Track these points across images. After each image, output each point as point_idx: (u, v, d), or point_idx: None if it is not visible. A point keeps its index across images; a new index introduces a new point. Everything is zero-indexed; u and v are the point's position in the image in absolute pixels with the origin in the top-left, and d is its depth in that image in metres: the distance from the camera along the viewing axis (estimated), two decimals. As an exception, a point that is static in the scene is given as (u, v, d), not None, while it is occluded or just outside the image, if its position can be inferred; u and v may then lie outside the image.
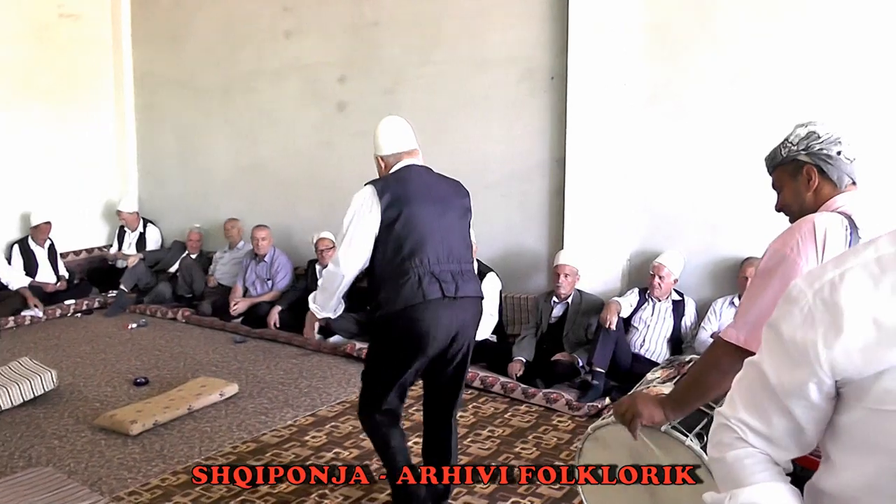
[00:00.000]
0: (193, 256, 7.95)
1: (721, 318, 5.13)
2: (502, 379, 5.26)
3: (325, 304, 3.44)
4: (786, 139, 2.11)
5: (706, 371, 1.97)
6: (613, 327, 5.12)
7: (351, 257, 3.25)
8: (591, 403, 4.86)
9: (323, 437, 4.45)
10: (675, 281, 5.34)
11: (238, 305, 7.02)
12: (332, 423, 4.66)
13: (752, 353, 1.80)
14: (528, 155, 6.12)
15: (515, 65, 6.10)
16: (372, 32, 6.89)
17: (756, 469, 1.28)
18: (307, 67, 7.34)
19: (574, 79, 5.67)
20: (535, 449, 4.30)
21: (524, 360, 5.38)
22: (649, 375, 2.54)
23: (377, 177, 3.41)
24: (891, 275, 1.11)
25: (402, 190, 3.24)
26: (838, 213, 1.95)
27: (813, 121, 2.10)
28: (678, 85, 5.45)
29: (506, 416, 4.82)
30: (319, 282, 3.64)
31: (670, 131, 5.47)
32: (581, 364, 5.26)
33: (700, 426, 2.08)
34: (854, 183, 2.04)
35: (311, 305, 3.50)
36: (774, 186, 2.17)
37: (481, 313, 3.48)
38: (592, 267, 5.64)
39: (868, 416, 1.13)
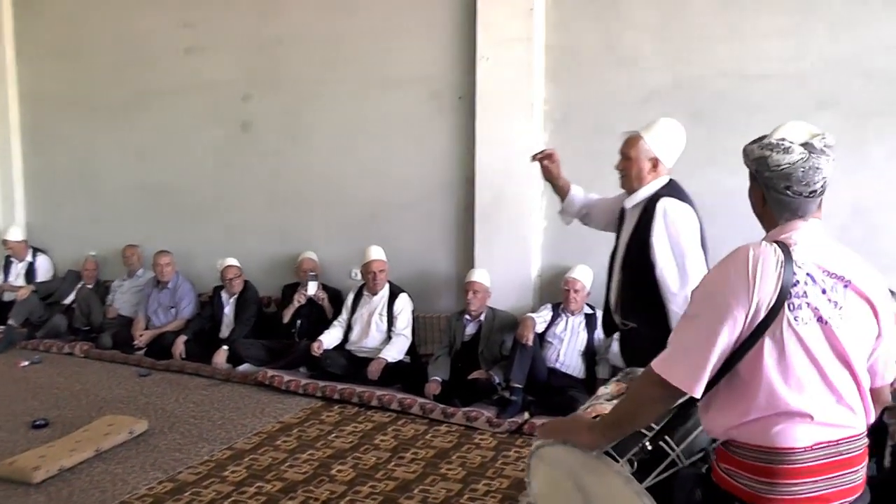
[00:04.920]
0: (90, 286, 7.60)
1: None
2: (420, 400, 5.23)
3: None
4: (747, 147, 1.94)
5: (635, 401, 1.97)
6: (530, 343, 5.18)
7: None
8: (511, 419, 4.88)
9: (243, 471, 4.29)
10: (588, 294, 5.42)
11: (142, 338, 6.76)
12: (251, 456, 4.50)
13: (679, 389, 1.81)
14: (437, 174, 6.13)
15: (423, 84, 6.11)
16: (275, 49, 6.76)
17: None
18: (209, 85, 7.11)
19: (482, 98, 5.73)
20: (461, 469, 4.27)
21: (440, 380, 5.37)
22: (601, 390, 2.50)
23: None
24: None
25: None
26: (778, 241, 1.85)
27: (778, 139, 1.88)
28: (588, 106, 5.55)
29: (427, 437, 4.79)
30: None
31: (581, 151, 5.50)
32: (498, 381, 5.29)
33: (634, 450, 2.04)
34: (802, 217, 1.89)
35: None
36: None
37: None
38: (504, 284, 5.69)
39: None
